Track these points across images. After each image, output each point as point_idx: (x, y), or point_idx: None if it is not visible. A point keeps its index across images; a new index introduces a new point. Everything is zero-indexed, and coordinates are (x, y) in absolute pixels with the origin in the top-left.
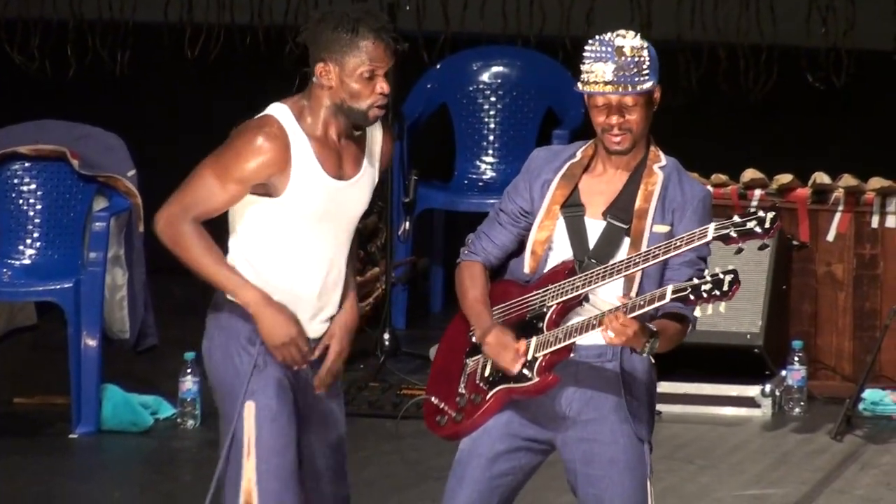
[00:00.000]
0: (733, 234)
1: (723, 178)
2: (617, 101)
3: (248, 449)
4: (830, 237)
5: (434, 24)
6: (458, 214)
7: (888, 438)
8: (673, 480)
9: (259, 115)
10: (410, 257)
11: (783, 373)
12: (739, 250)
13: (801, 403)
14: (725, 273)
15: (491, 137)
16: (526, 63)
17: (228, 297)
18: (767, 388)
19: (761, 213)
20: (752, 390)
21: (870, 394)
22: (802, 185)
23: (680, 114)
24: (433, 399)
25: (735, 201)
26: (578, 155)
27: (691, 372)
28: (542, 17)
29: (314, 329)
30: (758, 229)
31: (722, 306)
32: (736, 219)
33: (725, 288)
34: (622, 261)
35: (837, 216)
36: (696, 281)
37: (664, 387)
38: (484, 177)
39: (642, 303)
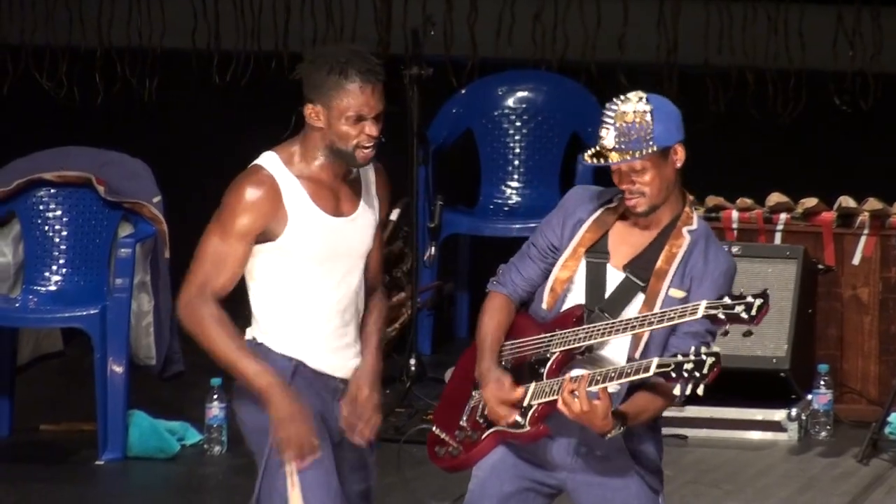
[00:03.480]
0: (721, 316)
1: (748, 201)
2: (626, 167)
3: (292, 480)
4: (856, 261)
5: (462, 49)
6: (483, 239)
7: None
8: None
9: (249, 166)
10: (436, 282)
11: (809, 397)
12: (725, 332)
13: (828, 427)
14: (709, 355)
15: (516, 162)
16: (551, 88)
17: (256, 338)
18: (794, 412)
19: (750, 299)
20: (779, 414)
21: None
22: (828, 208)
23: (707, 137)
24: (435, 429)
25: (760, 225)
26: (615, 202)
27: (717, 396)
28: (566, 42)
29: (341, 366)
30: (744, 315)
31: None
32: (727, 300)
33: (705, 371)
34: (621, 321)
35: (863, 240)
36: (680, 358)
37: (690, 411)
38: (509, 202)
39: (613, 374)
